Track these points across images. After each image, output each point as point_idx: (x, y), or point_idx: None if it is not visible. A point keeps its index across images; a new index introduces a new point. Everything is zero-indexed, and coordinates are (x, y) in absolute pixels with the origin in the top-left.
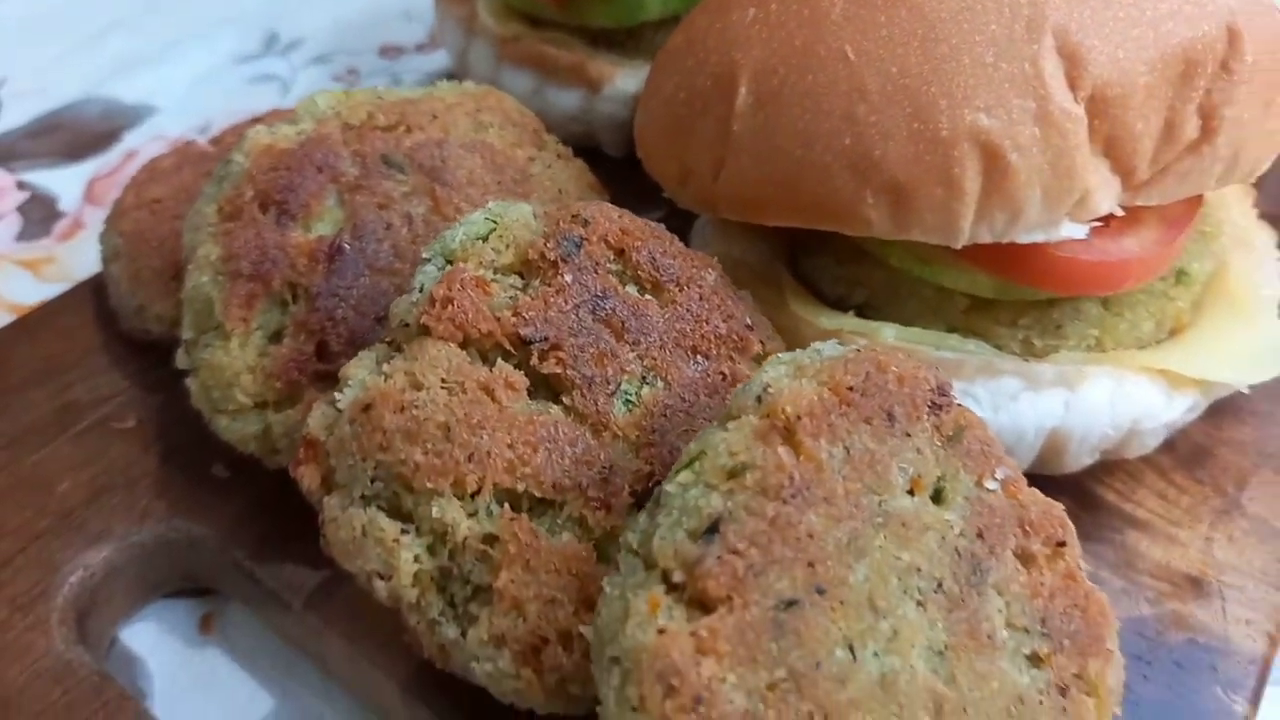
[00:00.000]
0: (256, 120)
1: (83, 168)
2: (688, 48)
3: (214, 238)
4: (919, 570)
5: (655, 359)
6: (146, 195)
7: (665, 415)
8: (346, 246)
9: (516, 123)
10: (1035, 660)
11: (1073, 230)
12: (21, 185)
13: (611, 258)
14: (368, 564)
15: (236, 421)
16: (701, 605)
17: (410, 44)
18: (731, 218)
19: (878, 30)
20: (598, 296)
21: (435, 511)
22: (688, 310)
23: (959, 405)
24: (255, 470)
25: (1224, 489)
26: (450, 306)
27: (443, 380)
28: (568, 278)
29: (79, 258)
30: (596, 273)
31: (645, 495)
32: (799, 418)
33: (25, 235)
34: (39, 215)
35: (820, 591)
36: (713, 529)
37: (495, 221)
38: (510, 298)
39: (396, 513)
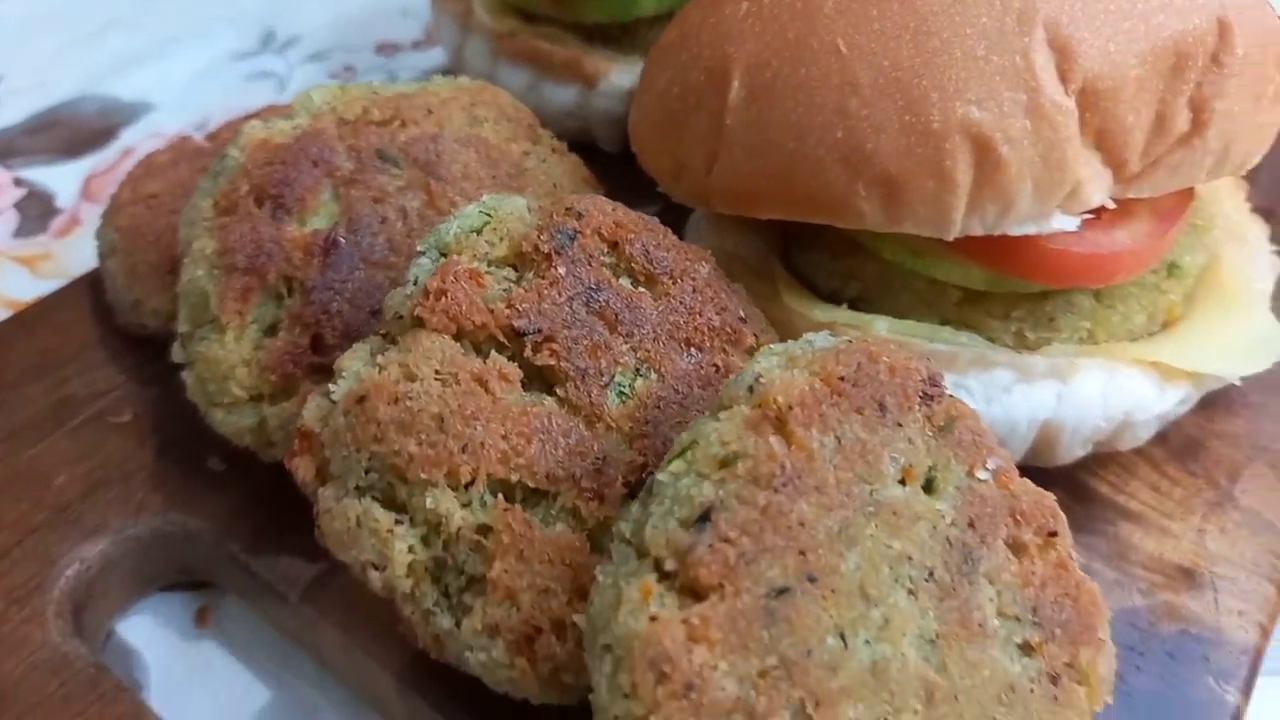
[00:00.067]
0: (252, 116)
1: (80, 164)
2: (681, 42)
3: (209, 232)
4: (910, 559)
5: (649, 351)
6: (142, 190)
7: (659, 407)
8: (341, 240)
9: (511, 117)
10: (1026, 649)
11: (1064, 222)
12: (19, 182)
13: (605, 250)
14: (362, 554)
15: (232, 414)
16: (693, 593)
17: (407, 41)
18: (725, 211)
19: (870, 24)
20: (591, 289)
21: (429, 502)
22: (681, 303)
23: (950, 396)
24: (251, 463)
25: (1216, 481)
26: (444, 298)
27: (436, 372)
28: (561, 270)
29: (76, 254)
30: (590, 265)
31: (638, 486)
32: (790, 407)
33: (22, 232)
34: (36, 212)
35: (811, 579)
36: (704, 517)
37: (489, 214)
38: (504, 290)
39: (391, 503)
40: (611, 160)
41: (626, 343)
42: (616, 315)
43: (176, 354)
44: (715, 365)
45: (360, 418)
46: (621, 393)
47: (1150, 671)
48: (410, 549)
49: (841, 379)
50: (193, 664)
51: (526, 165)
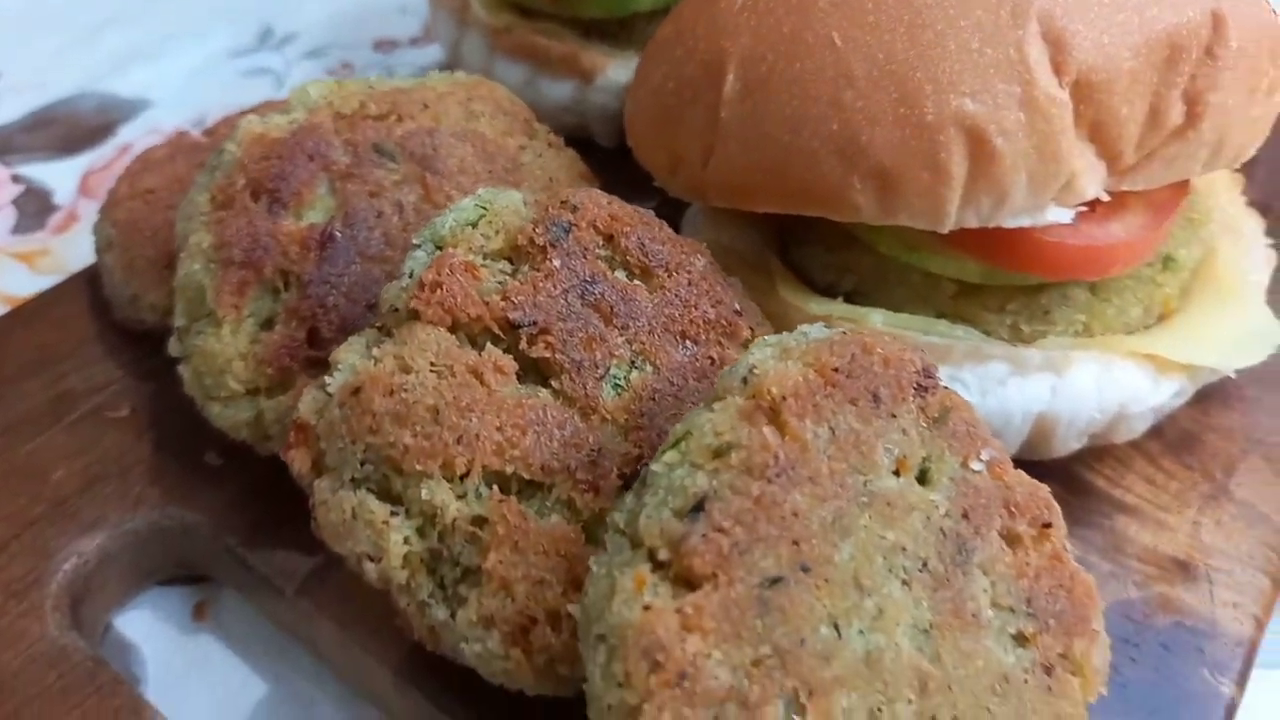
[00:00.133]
0: (249, 112)
1: (78, 161)
2: (677, 37)
3: (206, 226)
4: (904, 549)
5: (644, 344)
6: (140, 185)
7: (654, 399)
8: (338, 234)
9: (508, 112)
10: (1020, 639)
11: (1059, 215)
12: (17, 179)
13: (600, 243)
14: (358, 546)
15: (229, 408)
16: (687, 583)
17: (404, 38)
18: (721, 205)
19: (865, 16)
20: (586, 281)
21: (424, 493)
22: (676, 295)
23: (944, 387)
24: (248, 457)
25: (1212, 474)
26: (439, 291)
27: (432, 364)
28: (556, 263)
29: (74, 250)
30: (585, 258)
31: (633, 478)
32: (784, 398)
33: (20, 228)
34: (34, 208)
35: (805, 569)
36: (698, 507)
37: (485, 208)
38: (499, 282)
39: (386, 495)
40: (608, 155)
41: (622, 335)
42: (612, 308)
43: (173, 348)
44: (711, 358)
45: (355, 410)
46: (617, 385)
47: (1145, 663)
48: (405, 540)
49: (835, 370)
50: (190, 658)
51: (523, 160)
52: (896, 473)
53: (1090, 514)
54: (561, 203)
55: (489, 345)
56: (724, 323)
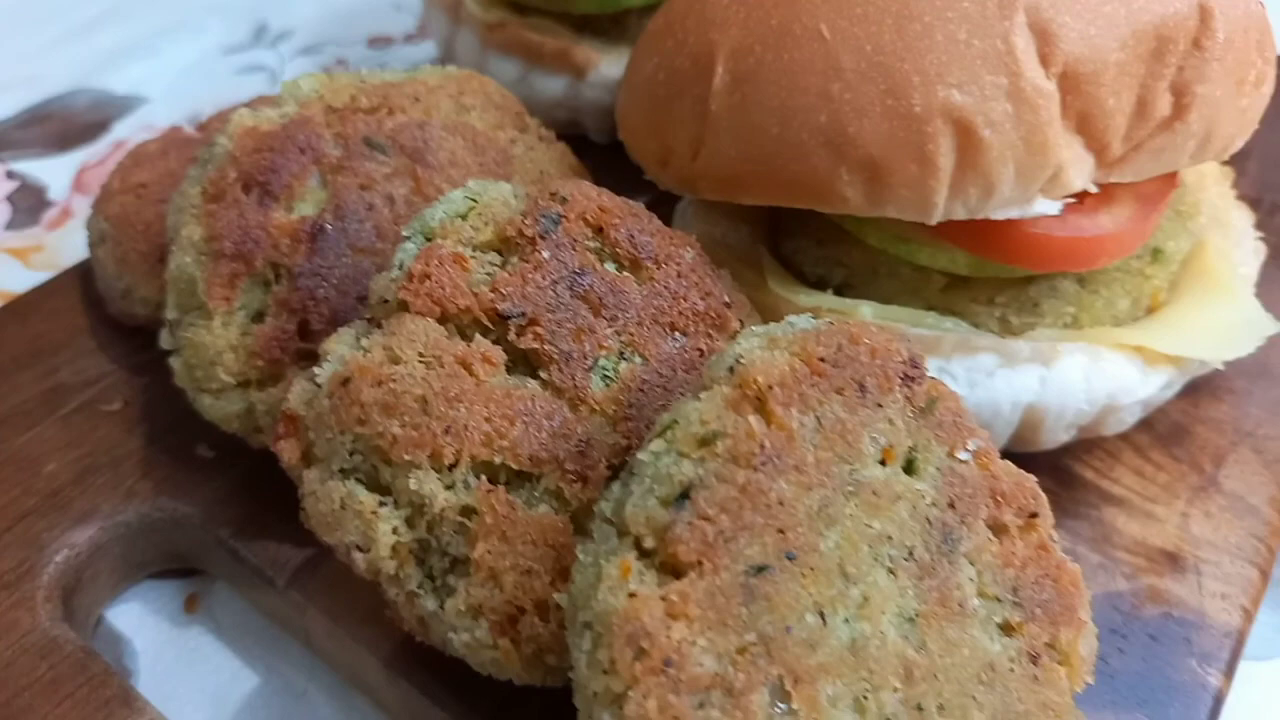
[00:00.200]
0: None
1: (72, 157)
2: (667, 29)
3: (197, 219)
4: (890, 538)
5: (633, 335)
6: (132, 180)
7: (643, 390)
8: (328, 227)
9: (499, 105)
10: (1006, 628)
11: (1046, 207)
12: (11, 175)
13: (590, 235)
14: (346, 536)
15: (219, 400)
16: (673, 570)
17: (399, 34)
18: (711, 198)
19: (853, 8)
20: (575, 273)
21: (413, 484)
22: (665, 287)
23: (931, 378)
24: (239, 450)
25: (1201, 466)
26: (428, 282)
27: (420, 354)
28: (545, 254)
29: (68, 246)
30: (574, 249)
31: (622, 468)
32: (771, 387)
33: (14, 224)
34: (28, 204)
35: (790, 558)
36: (684, 496)
37: (474, 199)
38: (488, 274)
39: (375, 485)
40: (602, 151)
41: (610, 326)
42: (601, 299)
43: (165, 340)
44: (700, 349)
45: (344, 400)
46: (605, 376)
47: (1133, 654)
48: (394, 530)
49: (822, 360)
50: (182, 650)
51: (513, 153)
52: (883, 462)
53: (1079, 506)
54: (551, 194)
55: (478, 336)
56: (713, 314)
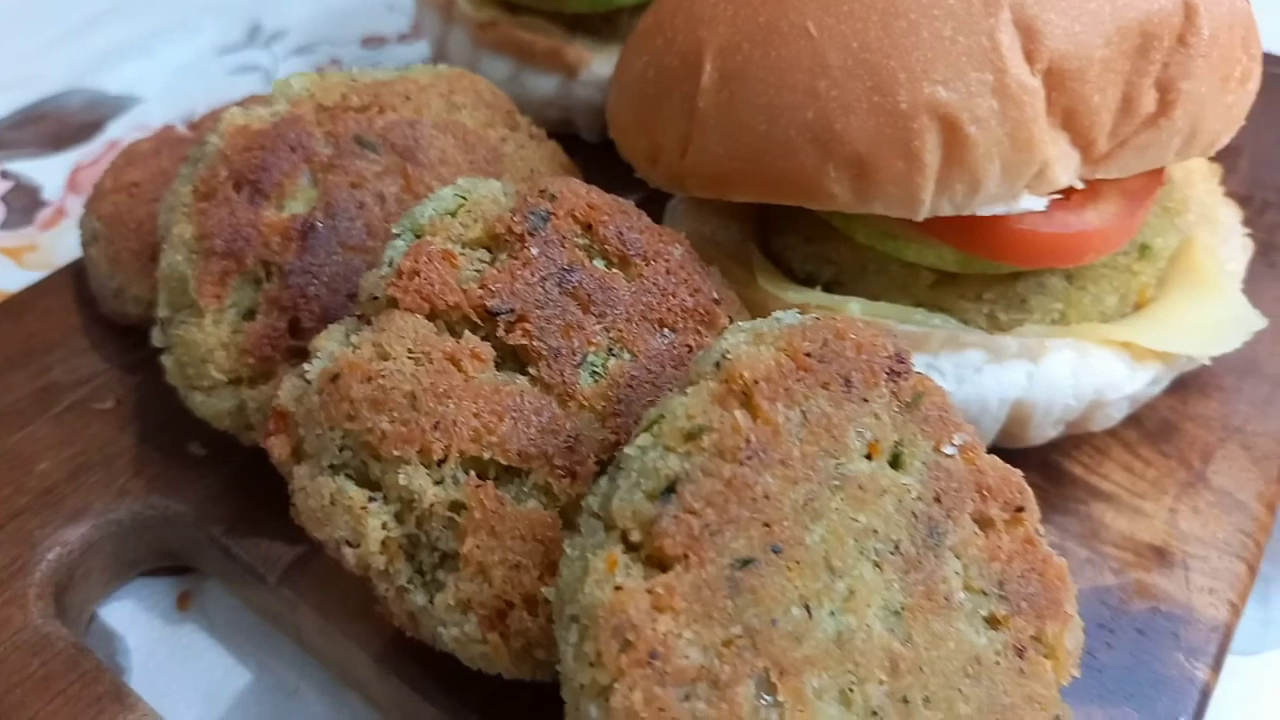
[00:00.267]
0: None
1: (66, 157)
2: (656, 28)
3: (188, 217)
4: (876, 532)
5: (622, 331)
6: (125, 179)
7: (631, 386)
8: (319, 225)
9: (489, 104)
10: (992, 622)
11: (1032, 203)
12: (5, 175)
13: (579, 232)
14: (336, 532)
15: (211, 398)
16: (659, 564)
17: (393, 34)
18: (700, 195)
19: (840, 5)
20: (564, 270)
21: (402, 479)
22: (654, 284)
23: (917, 373)
24: (231, 448)
25: (1190, 462)
26: (417, 278)
27: (409, 351)
28: (534, 251)
29: (61, 246)
30: (563, 246)
31: (610, 464)
32: (756, 382)
33: (8, 224)
34: (22, 204)
35: (776, 551)
36: (670, 489)
37: (464, 197)
38: (477, 271)
39: (364, 481)
40: (593, 150)
41: (599, 323)
42: (589, 296)
43: (156, 338)
44: (688, 345)
45: (334, 396)
46: (594, 372)
47: (1121, 648)
48: (384, 526)
49: (808, 355)
50: (174, 647)
51: (504, 151)
52: (868, 456)
53: (1067, 501)
54: (540, 192)
55: (467, 333)
56: (702, 311)
